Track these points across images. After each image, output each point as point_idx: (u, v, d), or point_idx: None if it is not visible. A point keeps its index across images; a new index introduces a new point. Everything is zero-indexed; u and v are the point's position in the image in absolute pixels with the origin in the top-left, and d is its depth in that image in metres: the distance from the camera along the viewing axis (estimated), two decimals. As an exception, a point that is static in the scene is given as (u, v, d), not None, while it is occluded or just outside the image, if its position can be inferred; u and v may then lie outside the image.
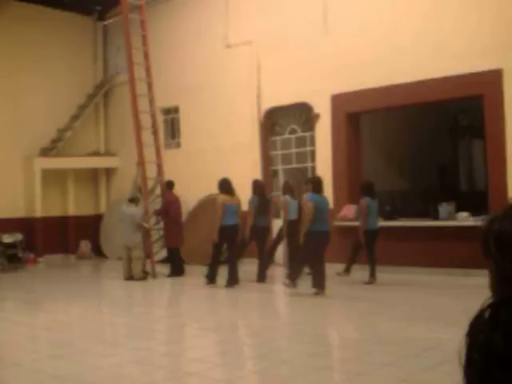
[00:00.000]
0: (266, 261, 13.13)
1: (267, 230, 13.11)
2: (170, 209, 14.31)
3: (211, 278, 12.58)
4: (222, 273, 12.65)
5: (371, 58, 13.86)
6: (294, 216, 13.03)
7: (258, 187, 12.99)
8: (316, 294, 10.91)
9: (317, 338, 8.28)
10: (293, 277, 11.10)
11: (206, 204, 16.09)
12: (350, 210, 13.80)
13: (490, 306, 0.68)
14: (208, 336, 8.91)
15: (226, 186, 12.58)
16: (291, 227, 13.09)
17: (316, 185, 11.24)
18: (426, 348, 7.23)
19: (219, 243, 12.50)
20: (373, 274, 12.11)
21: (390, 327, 8.51)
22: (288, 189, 13.46)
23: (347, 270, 12.45)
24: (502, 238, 0.72)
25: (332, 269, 12.40)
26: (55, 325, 9.82)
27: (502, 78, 12.27)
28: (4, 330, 9.42)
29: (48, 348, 8.58)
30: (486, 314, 0.67)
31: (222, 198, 12.46)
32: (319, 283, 10.96)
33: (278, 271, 13.78)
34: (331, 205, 12.85)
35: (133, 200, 14.35)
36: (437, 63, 12.95)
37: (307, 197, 11.16)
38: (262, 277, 12.81)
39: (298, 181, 13.89)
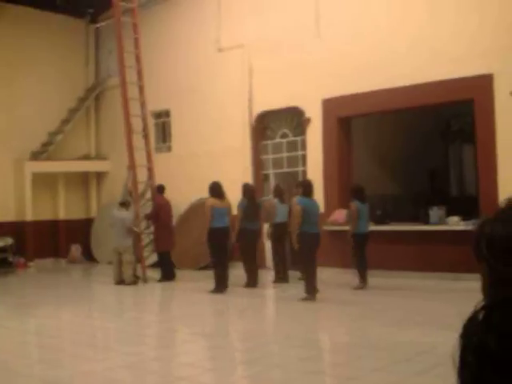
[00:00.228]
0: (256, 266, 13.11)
1: (257, 233, 13.08)
2: (160, 213, 14.27)
3: (220, 287, 12.36)
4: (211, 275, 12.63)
5: (363, 62, 13.88)
6: (280, 219, 13.05)
7: (248, 191, 12.98)
8: (306, 299, 10.89)
9: (308, 342, 8.28)
10: (309, 289, 10.99)
11: (197, 208, 16.07)
12: (340, 215, 13.83)
13: (483, 307, 0.68)
14: (199, 341, 8.90)
15: (216, 190, 12.57)
16: (278, 230, 13.12)
17: (306, 188, 11.27)
18: (418, 352, 7.24)
19: (213, 247, 12.40)
20: (363, 279, 12.09)
21: (381, 332, 8.52)
22: (278, 192, 13.48)
23: (363, 281, 12.11)
24: (494, 240, 0.73)
25: (324, 273, 12.41)
26: (46, 330, 9.78)
27: (493, 83, 12.31)
28: (-6, 334, 9.37)
29: (39, 353, 8.54)
30: (480, 316, 0.67)
31: (211, 201, 12.45)
32: (311, 288, 10.95)
33: (268, 275, 13.74)
34: (322, 209, 12.85)
35: (124, 204, 14.32)
36: (428, 68, 12.98)
37: (296, 200, 11.19)
38: (252, 282, 12.77)
39: (289, 185, 13.90)
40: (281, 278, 13.23)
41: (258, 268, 13.04)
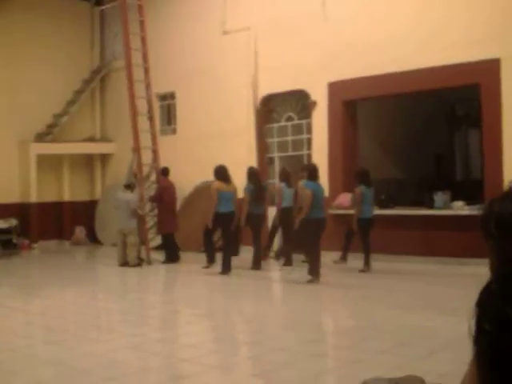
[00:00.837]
0: (263, 248, 13.14)
1: (262, 217, 13.08)
2: (164, 195, 14.27)
3: (211, 260, 12.67)
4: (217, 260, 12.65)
5: (369, 45, 13.80)
6: (287, 204, 13.04)
7: (253, 174, 12.94)
8: (310, 281, 10.91)
9: (312, 325, 8.28)
10: (313, 271, 11.01)
11: (201, 191, 16.06)
12: (345, 199, 13.80)
13: (499, 276, 0.66)
14: (202, 322, 8.92)
15: (222, 173, 12.55)
16: (285, 215, 13.10)
17: (311, 172, 11.25)
18: (422, 336, 7.24)
19: (212, 229, 12.48)
20: (367, 263, 12.11)
21: (385, 315, 8.52)
22: (285, 176, 13.45)
23: (343, 258, 12.47)
24: (503, 219, 0.71)
25: (327, 257, 12.42)
26: (49, 310, 9.81)
27: (500, 68, 12.23)
28: (-2, 314, 9.41)
29: (42, 333, 8.57)
30: (496, 286, 0.65)
31: (217, 184, 12.44)
32: (315, 271, 10.97)
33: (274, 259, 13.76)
34: (326, 193, 12.86)
35: (129, 186, 14.32)
36: (435, 52, 12.91)
37: (304, 184, 11.17)
38: (257, 264, 12.79)
39: (295, 168, 13.86)
40: (288, 261, 13.24)
41: (262, 251, 13.07)
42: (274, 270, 13.22)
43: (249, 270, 12.71)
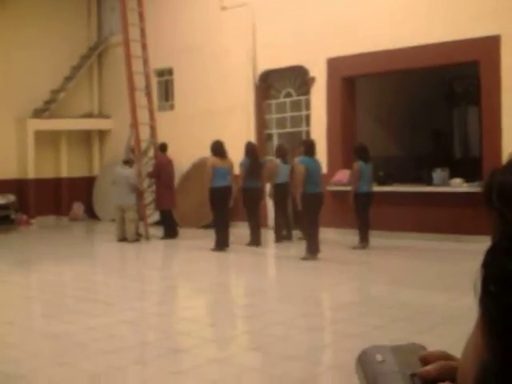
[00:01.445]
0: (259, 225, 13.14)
1: (259, 192, 13.04)
2: (161, 171, 14.24)
3: (221, 245, 12.39)
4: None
5: (368, 22, 13.72)
6: (283, 180, 13.04)
7: (251, 150, 12.91)
8: (306, 258, 10.92)
9: (309, 299, 8.32)
10: (311, 249, 11.01)
11: (199, 166, 16.01)
12: (343, 175, 13.79)
13: (504, 237, 0.65)
14: (200, 297, 8.95)
15: (217, 149, 12.52)
16: (279, 191, 13.11)
17: (308, 148, 11.23)
18: (420, 311, 7.27)
19: (215, 206, 12.41)
20: (364, 239, 12.10)
21: (382, 291, 8.56)
22: (281, 152, 13.42)
23: (364, 240, 12.17)
24: (505, 188, 0.70)
25: (325, 233, 12.44)
26: (47, 285, 9.84)
27: (500, 45, 12.17)
28: (-4, 289, 9.43)
29: (40, 308, 8.59)
30: (502, 246, 0.64)
31: (212, 160, 12.41)
32: (313, 247, 10.98)
33: (270, 234, 13.75)
34: (325, 169, 12.85)
35: (127, 162, 14.30)
36: (435, 28, 12.83)
37: (299, 160, 11.16)
38: (255, 241, 12.79)
39: (293, 145, 13.82)
40: (283, 236, 13.25)
41: (260, 227, 13.05)
42: (271, 246, 13.22)
43: (246, 245, 12.70)
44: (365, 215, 12.09)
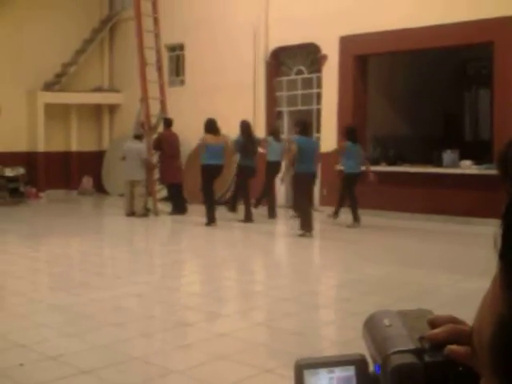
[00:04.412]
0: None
1: (252, 169, 13.04)
2: (163, 144, 14.17)
3: (210, 220, 12.58)
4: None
5: (382, 0, 13.61)
6: (274, 158, 13.16)
7: (245, 127, 12.98)
8: (301, 235, 10.95)
9: (313, 277, 8.34)
10: (305, 226, 11.04)
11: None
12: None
13: None
14: (207, 272, 8.98)
15: (210, 126, 12.63)
16: (271, 168, 13.28)
17: (304, 127, 11.27)
18: (424, 292, 7.27)
19: (204, 183, 12.52)
20: (356, 218, 12.09)
21: (387, 271, 8.56)
22: (274, 130, 13.74)
23: (356, 219, 12.35)
24: None
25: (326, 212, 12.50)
26: (56, 258, 9.90)
27: (514, 25, 12.05)
28: (6, 261, 9.49)
29: (49, 280, 8.66)
30: None
31: (205, 137, 12.52)
32: (307, 224, 10.99)
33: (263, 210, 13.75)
34: (335, 147, 12.94)
35: (138, 136, 14.29)
36: (449, 8, 12.71)
37: (293, 138, 11.26)
38: (248, 217, 12.84)
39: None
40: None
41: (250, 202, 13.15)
42: (264, 222, 13.12)
43: (239, 222, 12.81)
44: (351, 194, 12.10)
